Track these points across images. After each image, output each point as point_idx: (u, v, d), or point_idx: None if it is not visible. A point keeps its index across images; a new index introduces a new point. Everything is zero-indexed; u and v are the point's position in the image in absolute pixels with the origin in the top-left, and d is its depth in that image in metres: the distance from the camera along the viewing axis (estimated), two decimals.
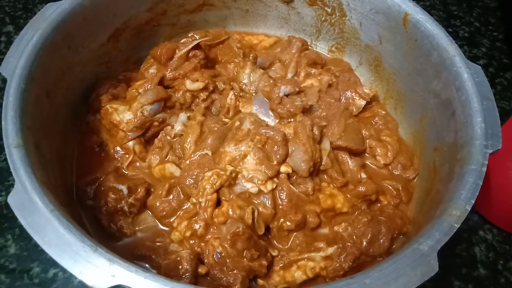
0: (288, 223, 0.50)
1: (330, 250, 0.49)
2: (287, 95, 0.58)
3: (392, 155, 0.57)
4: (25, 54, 0.46)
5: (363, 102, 0.62)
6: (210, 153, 0.51)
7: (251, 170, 0.50)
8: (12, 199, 0.36)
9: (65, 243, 0.34)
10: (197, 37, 0.66)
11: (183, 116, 0.55)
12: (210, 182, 0.49)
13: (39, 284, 0.51)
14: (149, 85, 0.58)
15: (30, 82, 0.45)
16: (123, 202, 0.49)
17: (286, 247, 0.50)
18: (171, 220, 0.50)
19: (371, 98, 0.62)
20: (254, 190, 0.49)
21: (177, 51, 0.61)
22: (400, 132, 0.62)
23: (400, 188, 0.54)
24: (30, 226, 0.35)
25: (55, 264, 0.49)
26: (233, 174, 0.49)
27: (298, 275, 0.48)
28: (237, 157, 0.51)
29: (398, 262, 0.36)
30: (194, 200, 0.48)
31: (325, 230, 0.51)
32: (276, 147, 0.52)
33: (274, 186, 0.50)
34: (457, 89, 0.50)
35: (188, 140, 0.52)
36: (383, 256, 0.49)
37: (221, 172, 0.49)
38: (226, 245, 0.46)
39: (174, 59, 0.61)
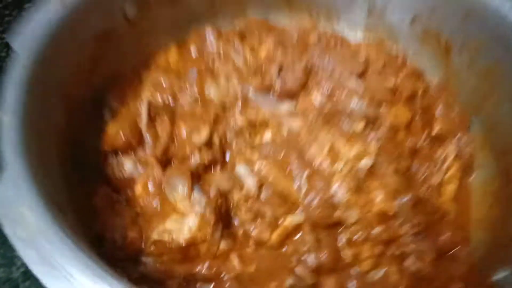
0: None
1: None
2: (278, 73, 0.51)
3: (382, 58, 0.58)
4: None
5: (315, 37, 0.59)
6: (311, 172, 0.42)
7: (351, 148, 0.44)
8: None
9: None
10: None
11: (242, 168, 0.42)
12: (346, 184, 0.41)
13: None
14: (155, 179, 0.42)
15: None
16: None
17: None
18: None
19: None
20: (370, 163, 0.44)
21: (138, 121, 0.45)
22: None
23: (411, 72, 0.57)
24: None
25: None
26: (352, 163, 0.43)
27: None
28: (331, 151, 0.44)
29: None
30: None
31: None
32: (342, 117, 0.47)
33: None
34: None
35: (281, 180, 0.41)
36: None
37: (343, 170, 0.42)
38: None
39: (144, 133, 0.45)
